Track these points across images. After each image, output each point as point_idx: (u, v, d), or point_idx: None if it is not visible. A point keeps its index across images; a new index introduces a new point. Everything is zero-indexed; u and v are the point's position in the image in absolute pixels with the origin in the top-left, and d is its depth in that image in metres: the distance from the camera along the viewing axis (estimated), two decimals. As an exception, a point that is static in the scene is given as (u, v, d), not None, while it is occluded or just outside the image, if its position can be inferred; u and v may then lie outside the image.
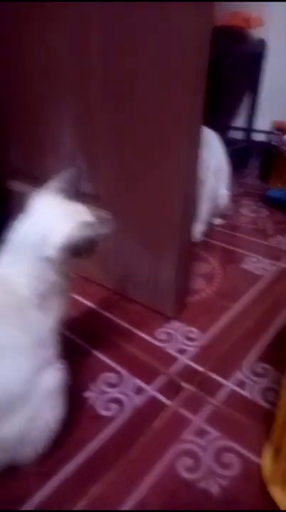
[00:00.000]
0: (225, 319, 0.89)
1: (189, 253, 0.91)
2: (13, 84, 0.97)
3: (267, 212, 1.51)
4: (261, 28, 1.78)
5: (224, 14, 1.71)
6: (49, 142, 0.95)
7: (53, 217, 0.55)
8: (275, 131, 1.75)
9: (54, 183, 0.61)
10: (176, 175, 0.77)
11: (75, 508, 0.52)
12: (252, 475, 0.56)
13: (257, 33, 1.82)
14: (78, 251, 0.55)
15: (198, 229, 1.25)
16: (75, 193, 0.61)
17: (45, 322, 0.56)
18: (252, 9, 1.76)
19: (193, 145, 0.76)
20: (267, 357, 0.78)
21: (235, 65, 1.68)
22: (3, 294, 0.54)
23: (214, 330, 0.85)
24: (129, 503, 0.53)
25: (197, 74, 0.68)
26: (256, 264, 1.13)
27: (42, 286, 0.55)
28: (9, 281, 0.55)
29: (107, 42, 0.75)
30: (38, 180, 1.02)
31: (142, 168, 0.81)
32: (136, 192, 0.84)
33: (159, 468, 0.57)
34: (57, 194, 0.60)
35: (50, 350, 0.56)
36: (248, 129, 2.04)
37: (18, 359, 0.51)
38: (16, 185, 1.09)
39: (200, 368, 0.75)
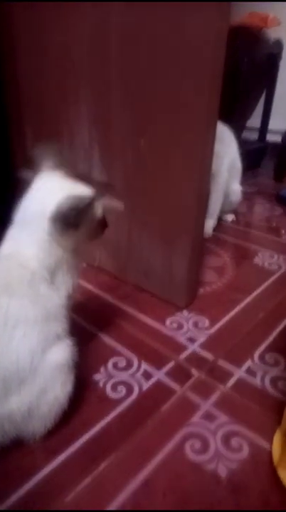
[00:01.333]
0: (236, 311, 0.88)
1: (202, 245, 0.91)
2: (32, 76, 0.99)
3: (281, 211, 1.50)
4: (278, 28, 1.78)
5: (241, 14, 1.71)
6: (66, 132, 0.96)
7: (47, 191, 0.57)
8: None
9: (48, 163, 0.62)
10: (190, 170, 0.77)
11: (79, 486, 0.52)
12: (261, 459, 0.55)
13: (273, 33, 1.82)
14: (73, 224, 0.55)
15: (210, 224, 1.24)
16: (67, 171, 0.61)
17: (55, 297, 0.56)
18: (269, 9, 1.76)
19: (208, 142, 0.76)
20: (278, 347, 0.77)
21: (251, 65, 1.68)
22: (14, 267, 0.54)
23: (225, 320, 0.85)
24: (135, 483, 0.52)
25: (213, 74, 0.69)
26: (269, 259, 1.12)
27: (49, 260, 0.56)
28: (19, 254, 0.55)
29: (125, 40, 0.76)
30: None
31: (157, 162, 0.81)
32: (151, 184, 0.84)
33: (166, 450, 0.56)
34: (57, 173, 0.60)
35: (60, 325, 0.56)
36: (263, 130, 2.03)
37: (29, 331, 0.52)
38: (30, 175, 1.10)
39: (210, 356, 0.74)
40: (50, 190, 0.57)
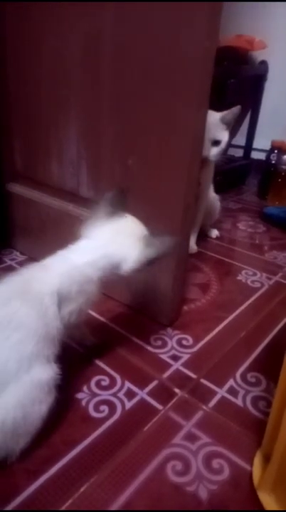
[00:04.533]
0: (219, 328, 0.89)
1: (186, 262, 0.92)
2: (22, 90, 0.99)
3: (264, 228, 1.53)
4: (264, 51, 1.84)
5: (229, 36, 1.76)
6: (54, 147, 0.97)
7: (120, 245, 0.64)
8: (274, 151, 1.79)
9: (103, 207, 0.68)
10: (178, 187, 0.78)
11: (62, 508, 0.51)
12: (241, 481, 0.56)
13: (260, 55, 1.88)
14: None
15: (193, 239, 1.26)
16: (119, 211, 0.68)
17: (58, 322, 0.59)
18: (256, 32, 1.81)
19: (194, 163, 0.78)
20: (259, 367, 0.78)
21: (237, 85, 1.73)
22: (39, 280, 0.59)
23: (208, 338, 0.86)
24: (116, 505, 0.52)
25: (201, 92, 0.71)
26: (252, 277, 1.14)
27: (69, 293, 0.60)
28: (49, 270, 0.61)
29: (116, 57, 0.78)
30: (41, 184, 1.05)
31: (145, 180, 0.82)
32: (138, 202, 0.85)
33: (147, 471, 0.57)
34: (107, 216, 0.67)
35: (53, 348, 0.57)
36: (248, 148, 2.08)
37: (27, 340, 0.53)
38: (18, 189, 1.11)
39: (193, 375, 0.75)
40: (120, 244, 0.64)
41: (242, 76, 1.80)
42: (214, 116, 1.10)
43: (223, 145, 1.13)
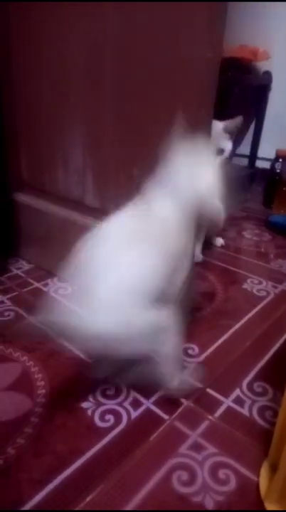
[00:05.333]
0: (225, 338, 0.89)
1: (192, 271, 0.92)
2: (27, 99, 1.01)
3: (270, 237, 1.53)
4: (267, 61, 1.86)
5: (233, 47, 1.78)
6: (59, 156, 0.98)
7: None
8: (278, 159, 1.79)
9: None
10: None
11: (67, 518, 0.51)
12: (248, 492, 0.55)
13: (264, 65, 1.89)
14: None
15: (199, 248, 1.26)
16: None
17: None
18: (259, 43, 1.83)
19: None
20: (266, 376, 0.77)
21: (242, 95, 1.74)
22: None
23: (214, 348, 0.85)
24: (122, 516, 0.52)
25: (205, 102, 0.72)
26: (257, 285, 1.14)
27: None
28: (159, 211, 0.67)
29: (119, 65, 0.79)
30: (46, 193, 1.06)
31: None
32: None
33: (153, 480, 0.56)
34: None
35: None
36: (253, 157, 2.09)
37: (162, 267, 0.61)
38: (24, 198, 1.12)
39: (199, 385, 0.74)
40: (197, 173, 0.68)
41: (246, 85, 1.81)
42: (218, 126, 1.11)
43: (226, 154, 1.14)
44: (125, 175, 0.86)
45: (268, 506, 0.52)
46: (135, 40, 0.75)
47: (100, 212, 0.91)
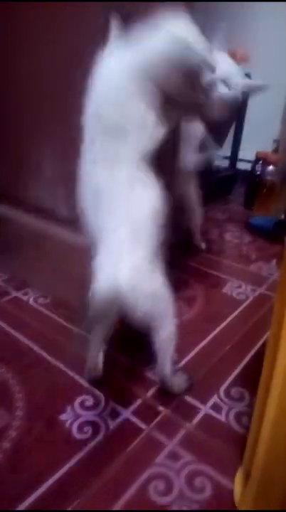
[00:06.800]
0: (204, 343, 0.90)
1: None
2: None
3: (250, 239, 1.55)
4: (247, 64, 1.87)
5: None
6: (32, 166, 0.98)
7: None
8: (258, 161, 1.81)
9: None
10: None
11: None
12: (223, 499, 0.56)
13: (243, 68, 1.91)
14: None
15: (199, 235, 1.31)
16: None
17: None
18: (238, 45, 1.85)
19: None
20: (243, 381, 0.79)
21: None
22: None
23: (193, 353, 0.86)
24: (99, 528, 0.52)
25: None
26: (237, 289, 1.15)
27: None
28: None
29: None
30: (21, 203, 1.05)
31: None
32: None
33: (130, 492, 0.57)
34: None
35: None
36: (233, 158, 2.11)
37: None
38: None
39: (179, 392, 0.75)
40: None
41: (226, 88, 1.83)
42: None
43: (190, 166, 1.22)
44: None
45: (242, 513, 0.53)
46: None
47: (72, 223, 0.91)
